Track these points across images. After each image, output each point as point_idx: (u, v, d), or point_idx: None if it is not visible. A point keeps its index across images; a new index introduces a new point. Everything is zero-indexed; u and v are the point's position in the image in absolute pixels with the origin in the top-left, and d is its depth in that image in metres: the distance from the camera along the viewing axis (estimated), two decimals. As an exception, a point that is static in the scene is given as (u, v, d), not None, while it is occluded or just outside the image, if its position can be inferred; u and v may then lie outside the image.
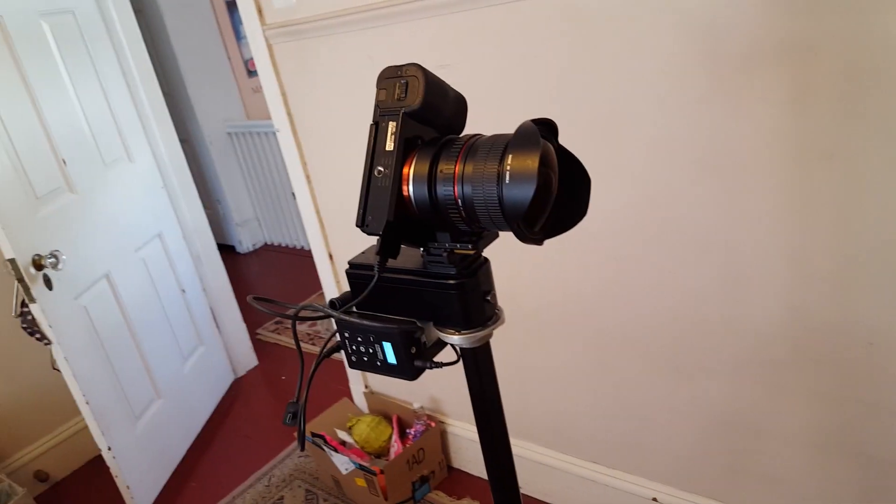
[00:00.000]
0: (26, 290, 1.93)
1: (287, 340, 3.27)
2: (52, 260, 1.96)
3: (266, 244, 4.60)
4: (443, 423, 2.20)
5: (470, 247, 0.65)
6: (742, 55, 1.18)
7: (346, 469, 2.10)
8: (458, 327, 0.68)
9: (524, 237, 0.58)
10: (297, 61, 1.91)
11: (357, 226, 0.64)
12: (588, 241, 1.56)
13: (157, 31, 3.96)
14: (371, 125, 0.65)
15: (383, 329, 0.68)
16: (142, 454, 2.30)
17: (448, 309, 0.68)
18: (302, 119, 2.01)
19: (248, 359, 3.09)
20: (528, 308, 1.77)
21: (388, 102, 0.64)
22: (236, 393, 2.94)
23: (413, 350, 0.70)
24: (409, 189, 0.63)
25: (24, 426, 2.44)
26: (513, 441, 1.97)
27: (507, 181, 0.56)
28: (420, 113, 0.63)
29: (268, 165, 4.16)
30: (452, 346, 0.72)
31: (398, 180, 0.63)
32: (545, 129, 0.61)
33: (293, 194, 2.14)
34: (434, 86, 0.64)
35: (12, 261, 1.88)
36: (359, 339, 0.72)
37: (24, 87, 2.00)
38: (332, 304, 0.73)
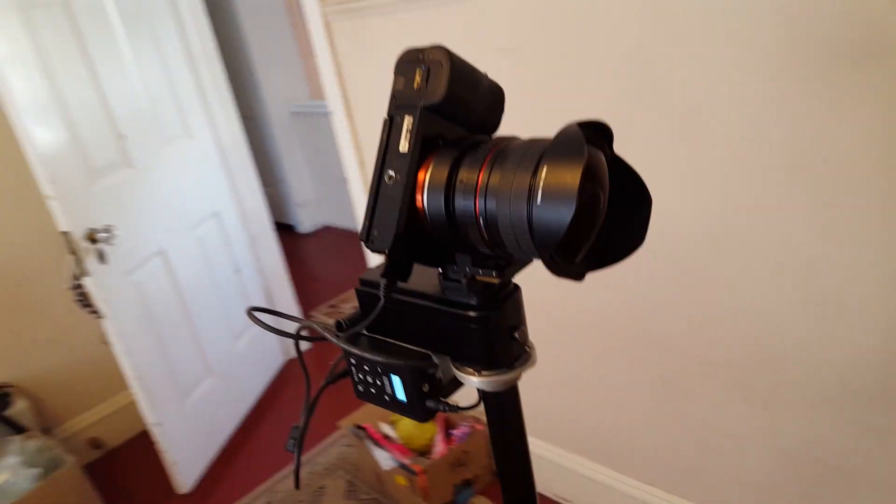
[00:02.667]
0: (79, 263, 1.92)
1: (341, 324, 3.22)
2: (106, 234, 1.95)
3: (326, 225, 4.57)
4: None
5: (494, 274, 0.53)
6: (850, 47, 1.01)
7: (387, 466, 2.03)
8: (479, 367, 0.57)
9: (559, 270, 0.46)
10: (355, 41, 1.81)
11: (361, 240, 0.54)
12: (655, 250, 1.41)
13: (227, 8, 3.95)
14: (385, 119, 0.54)
15: (390, 362, 0.57)
16: (189, 431, 2.29)
17: (467, 345, 0.56)
18: (357, 102, 1.92)
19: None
20: (584, 318, 1.64)
21: (406, 93, 0.53)
22: (287, 375, 2.91)
23: (425, 388, 0.59)
24: (424, 199, 0.52)
25: (81, 394, 2.48)
26: (562, 452, 1.85)
27: (538, 199, 0.44)
28: (443, 107, 0.52)
29: (329, 147, 4.11)
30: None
31: (411, 188, 0.52)
32: (596, 133, 0.48)
33: (345, 178, 2.06)
34: (462, 74, 0.52)
35: (67, 233, 1.87)
36: (365, 367, 0.62)
37: (86, 61, 1.98)
38: (339, 325, 0.63)
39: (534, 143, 0.48)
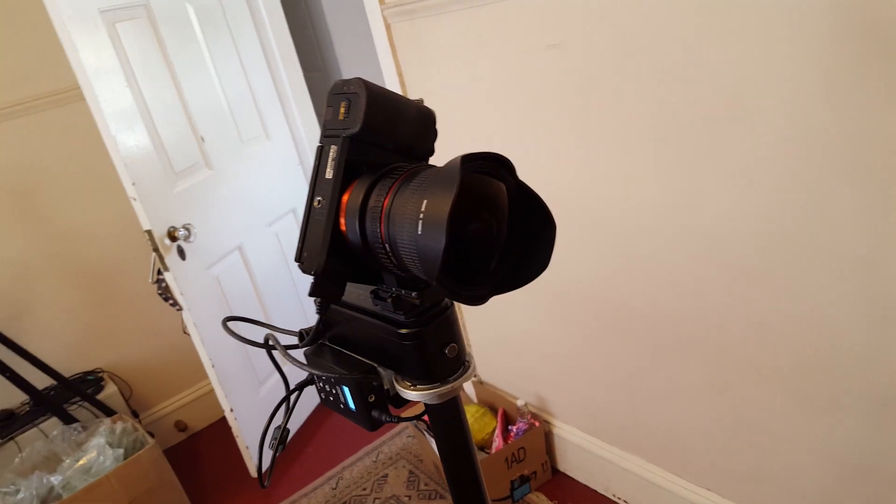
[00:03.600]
0: (161, 259, 2.07)
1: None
2: (185, 232, 2.09)
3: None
4: (548, 423, 2.10)
5: (414, 295, 0.55)
6: None
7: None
8: (414, 381, 0.59)
9: (453, 295, 0.48)
10: (413, 42, 1.85)
11: (295, 259, 0.57)
12: (711, 252, 1.37)
13: (307, 7, 4.08)
14: (317, 147, 0.57)
15: (335, 374, 0.61)
16: (262, 418, 2.42)
17: (401, 359, 0.59)
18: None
19: (377, 332, 3.15)
20: (641, 320, 1.61)
21: (333, 123, 0.56)
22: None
23: (371, 399, 0.62)
24: (345, 223, 0.55)
25: (167, 380, 2.68)
26: (619, 452, 1.84)
27: (419, 229, 0.46)
28: (363, 135, 0.54)
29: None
30: (417, 396, 0.63)
31: (335, 212, 0.55)
32: (494, 164, 0.49)
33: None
34: (380, 105, 0.54)
35: (149, 232, 2.02)
36: (323, 377, 0.66)
37: (167, 68, 2.12)
38: (301, 335, 0.67)
39: (433, 172, 0.50)
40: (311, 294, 0.56)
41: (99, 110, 1.87)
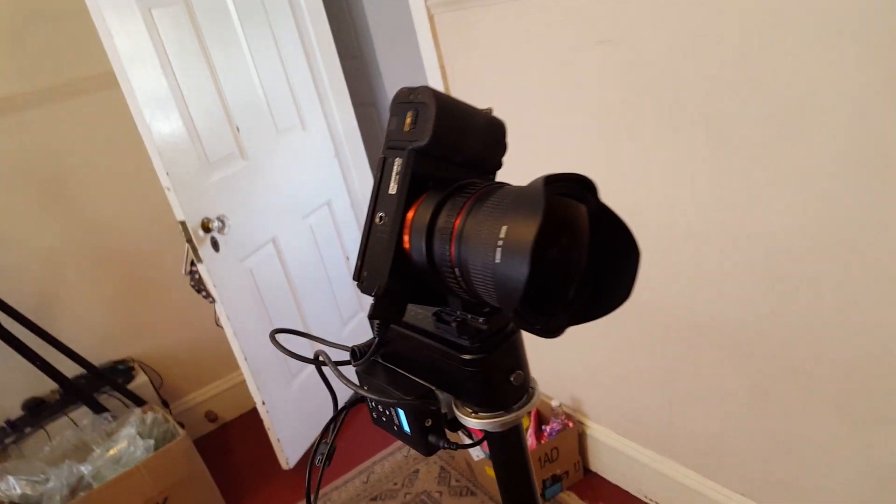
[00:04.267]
0: (194, 250, 2.06)
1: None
2: (219, 224, 2.07)
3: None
4: (582, 423, 2.06)
5: (482, 321, 0.52)
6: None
7: (478, 456, 2.05)
8: (475, 409, 0.56)
9: (528, 327, 0.44)
10: (457, 34, 1.81)
11: (353, 279, 0.54)
12: (755, 255, 1.32)
13: (350, -5, 4.04)
14: (378, 159, 0.54)
15: (392, 400, 0.58)
16: (294, 411, 2.41)
17: (462, 385, 0.55)
18: (460, 94, 1.92)
19: (408, 326, 3.12)
20: (680, 323, 1.56)
21: (397, 134, 0.52)
22: (393, 359, 2.99)
23: (428, 423, 0.59)
24: (410, 242, 0.51)
25: (198, 371, 2.68)
26: (654, 455, 1.79)
27: (497, 256, 0.42)
28: (431, 148, 0.51)
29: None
30: (476, 422, 0.59)
31: (399, 230, 0.52)
32: (577, 185, 0.45)
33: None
34: (450, 116, 0.51)
35: (183, 223, 2.01)
36: (378, 401, 0.62)
37: (203, 56, 2.10)
38: (353, 353, 0.64)
39: (511, 193, 0.46)
40: (371, 316, 0.53)
41: (133, 97, 1.85)
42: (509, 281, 0.41)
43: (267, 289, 2.32)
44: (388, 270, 0.51)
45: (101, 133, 2.37)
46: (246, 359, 2.19)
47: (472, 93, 1.85)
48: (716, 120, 1.27)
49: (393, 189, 0.52)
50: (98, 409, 2.19)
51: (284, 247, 2.41)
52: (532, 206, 0.41)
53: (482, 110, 0.54)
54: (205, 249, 2.06)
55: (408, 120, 0.51)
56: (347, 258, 2.77)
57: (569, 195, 0.45)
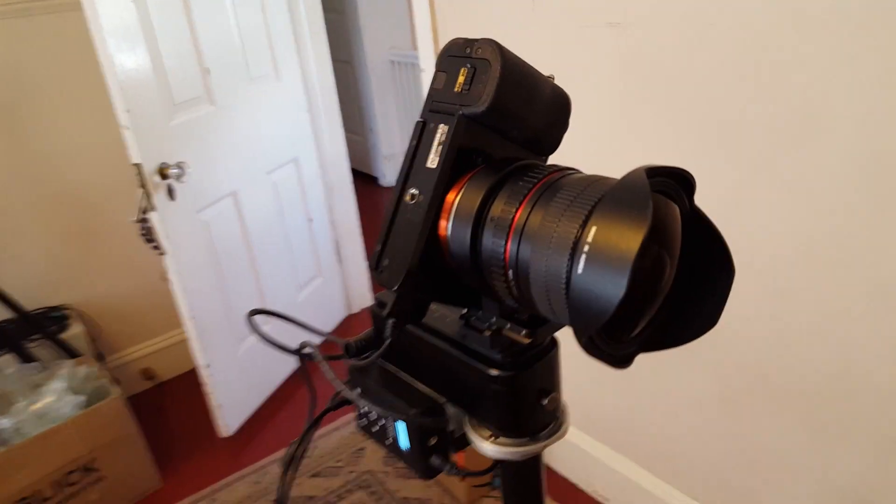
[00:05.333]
0: (148, 197, 1.91)
1: (407, 286, 3.16)
2: (178, 170, 1.93)
3: (411, 180, 4.49)
4: (539, 418, 2.01)
5: (524, 333, 0.43)
6: None
7: (429, 442, 1.98)
8: (496, 431, 0.47)
9: (597, 353, 0.35)
10: (455, 1, 1.69)
11: (370, 268, 0.44)
12: (738, 257, 1.26)
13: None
14: (417, 123, 0.43)
15: (398, 415, 0.48)
16: (238, 377, 2.29)
17: (484, 404, 0.46)
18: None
19: (364, 296, 3.02)
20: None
21: (445, 94, 0.42)
22: (347, 329, 2.89)
23: (432, 441, 0.49)
24: (448, 228, 0.42)
25: (138, 325, 2.52)
26: (608, 451, 1.75)
27: (581, 265, 0.33)
28: (488, 117, 0.41)
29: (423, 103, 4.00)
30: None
31: (435, 212, 0.42)
32: (673, 181, 0.36)
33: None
34: (517, 77, 0.41)
35: (138, 166, 1.86)
36: (375, 411, 0.53)
37: (179, -10, 1.94)
38: (347, 348, 0.54)
39: (592, 183, 0.37)
40: (388, 315, 0.43)
41: (98, 24, 1.67)
42: (594, 298, 0.32)
43: (222, 245, 2.18)
44: (416, 261, 0.41)
45: (61, 57, 2.17)
46: (192, 317, 2.05)
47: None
48: (720, 116, 1.20)
49: (433, 162, 0.42)
50: (26, 357, 2.03)
51: (245, 202, 2.27)
52: (635, 203, 0.31)
53: (546, 77, 0.44)
54: (159, 197, 1.91)
55: (460, 78, 0.41)
56: (310, 220, 2.64)
57: (663, 192, 0.36)
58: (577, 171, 0.40)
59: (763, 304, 1.26)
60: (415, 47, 4.22)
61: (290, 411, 2.39)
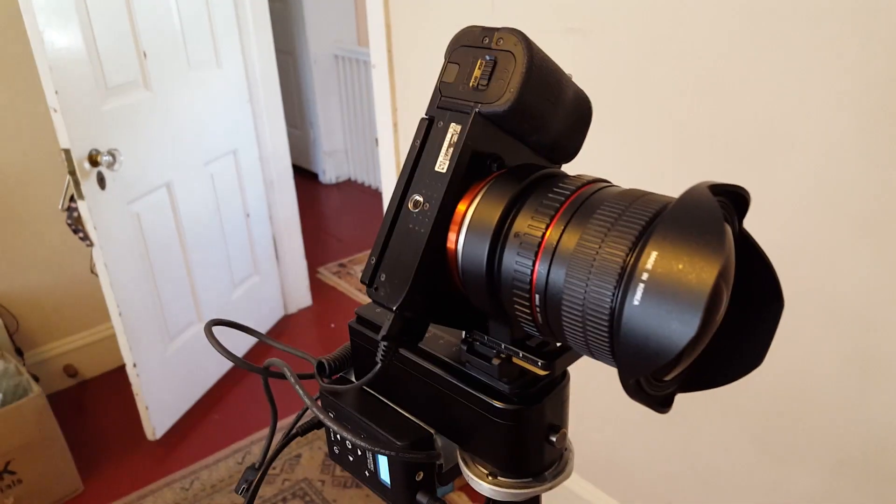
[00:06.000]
0: (76, 184, 1.78)
1: (346, 286, 3.09)
2: (109, 158, 1.80)
3: (350, 179, 4.40)
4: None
5: (540, 364, 0.38)
6: None
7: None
8: (495, 469, 0.42)
9: (639, 395, 0.31)
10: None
11: (362, 282, 0.38)
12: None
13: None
14: (422, 120, 0.38)
15: (376, 449, 0.42)
16: (168, 377, 2.17)
17: (484, 439, 0.41)
18: (403, 61, 1.74)
19: (302, 297, 2.93)
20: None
21: (459, 89, 0.37)
22: (282, 330, 2.79)
23: (419, 477, 0.44)
24: (460, 242, 0.36)
25: (61, 319, 2.36)
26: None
27: (637, 296, 0.28)
28: (509, 118, 0.36)
29: (367, 100, 3.92)
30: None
31: (444, 224, 0.36)
32: (727, 199, 0.32)
33: (376, 140, 1.89)
34: (543, 73, 0.36)
35: (67, 151, 1.73)
36: (358, 445, 0.47)
37: (116, -34, 1.81)
38: (320, 367, 0.48)
39: (638, 199, 0.32)
40: (385, 339, 0.38)
41: (27, -1, 1.55)
42: (652, 336, 0.27)
43: (153, 237, 2.06)
44: (421, 277, 0.36)
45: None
46: (121, 313, 1.93)
47: (419, 58, 1.69)
48: (680, 130, 1.19)
49: (442, 165, 0.36)
50: (-67, 351, 1.87)
51: (179, 193, 2.15)
52: (706, 228, 0.27)
53: (569, 78, 0.39)
54: (89, 185, 1.79)
55: (477, 72, 0.36)
56: (248, 215, 2.53)
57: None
58: (612, 184, 0.35)
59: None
60: (360, 43, 4.15)
61: (221, 413, 2.28)
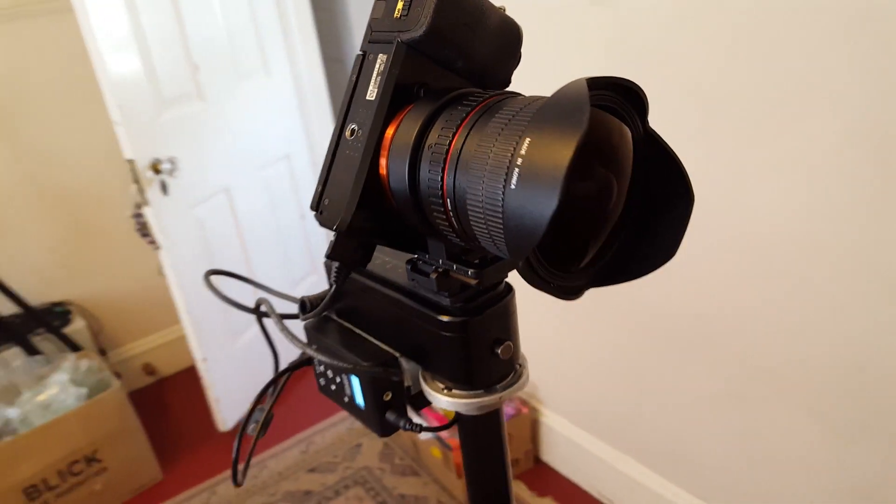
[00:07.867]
0: (141, 192, 1.90)
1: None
2: (169, 166, 1.91)
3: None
4: (536, 410, 1.98)
5: (470, 273, 0.40)
6: None
7: (425, 436, 1.95)
8: (449, 383, 0.45)
9: (541, 284, 0.33)
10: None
11: (311, 208, 0.42)
12: (740, 246, 1.23)
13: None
14: (356, 56, 0.41)
15: (347, 365, 0.46)
16: (236, 371, 2.27)
17: (436, 354, 0.44)
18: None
19: (363, 294, 2.99)
20: (652, 309, 1.48)
21: (384, 23, 0.40)
22: (345, 326, 2.86)
23: (387, 397, 0.47)
24: (386, 164, 0.40)
25: (139, 320, 2.51)
26: (613, 452, 1.71)
27: (513, 181, 0.31)
28: (427, 43, 0.39)
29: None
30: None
31: (374, 148, 0.40)
32: (623, 98, 0.34)
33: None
34: (457, 4, 0.39)
35: (131, 161, 1.85)
36: (328, 364, 0.51)
37: (166, -15, 1.93)
38: (303, 305, 0.52)
39: (534, 101, 0.35)
40: (329, 256, 0.41)
41: (88, 24, 1.67)
42: (527, 215, 0.30)
43: (215, 240, 2.16)
44: (356, 199, 0.39)
45: (55, 58, 2.17)
46: (188, 312, 2.04)
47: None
48: (709, 96, 1.17)
49: (371, 94, 0.40)
50: (31, 350, 2.04)
51: (237, 197, 2.25)
52: (570, 112, 0.29)
53: (495, 6, 0.42)
54: (153, 192, 1.90)
55: (399, 5, 0.39)
56: (303, 217, 2.62)
57: (610, 110, 0.34)
58: (521, 95, 0.38)
59: (766, 293, 1.22)
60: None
61: (287, 404, 2.37)
